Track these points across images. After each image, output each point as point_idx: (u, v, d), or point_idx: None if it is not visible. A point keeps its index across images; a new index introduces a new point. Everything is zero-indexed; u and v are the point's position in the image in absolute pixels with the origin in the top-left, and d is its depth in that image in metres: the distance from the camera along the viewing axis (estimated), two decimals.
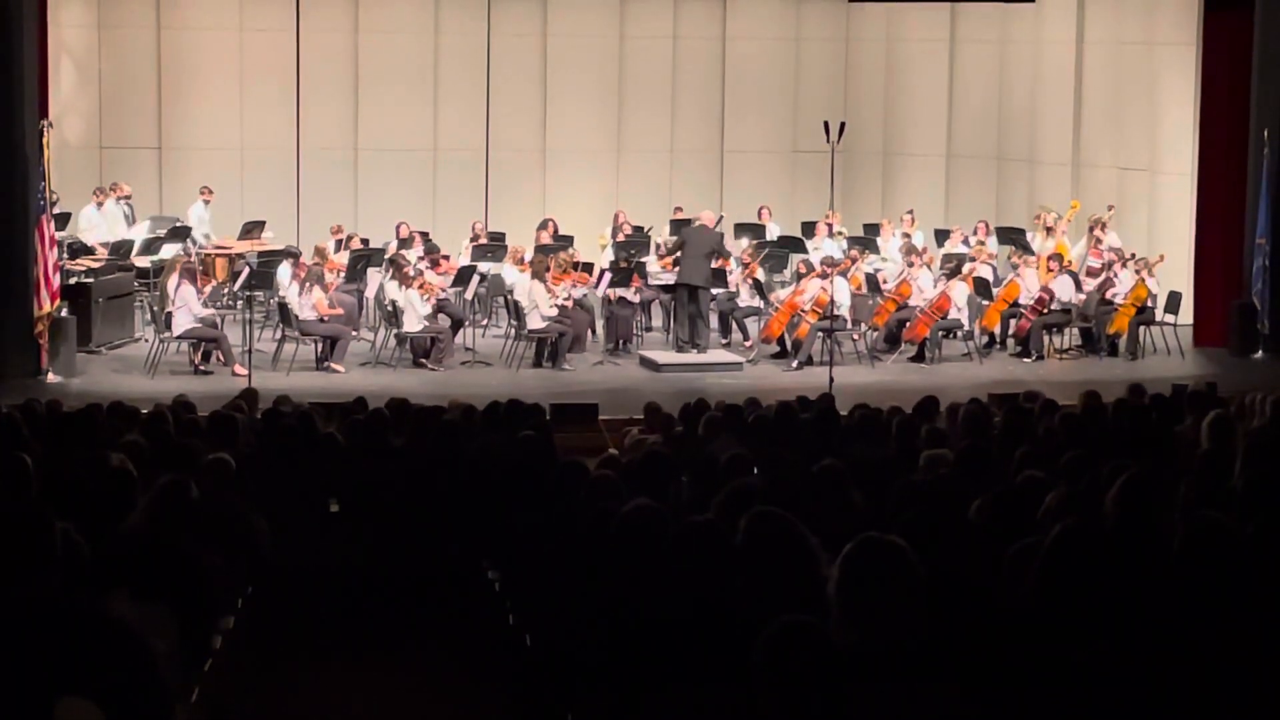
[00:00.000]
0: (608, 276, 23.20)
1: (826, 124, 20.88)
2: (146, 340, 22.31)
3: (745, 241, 25.60)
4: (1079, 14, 27.32)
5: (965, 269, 23.40)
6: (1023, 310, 23.11)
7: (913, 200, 28.25)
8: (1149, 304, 23.02)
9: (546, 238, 25.09)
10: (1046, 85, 28.00)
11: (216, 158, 28.27)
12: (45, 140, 20.83)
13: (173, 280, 21.45)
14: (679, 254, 22.79)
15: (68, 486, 9.27)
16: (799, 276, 23.03)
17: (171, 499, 8.53)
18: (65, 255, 23.20)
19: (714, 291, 23.26)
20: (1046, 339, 23.09)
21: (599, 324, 23.48)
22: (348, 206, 28.44)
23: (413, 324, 21.86)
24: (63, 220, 24.48)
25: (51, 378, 20.46)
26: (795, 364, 22.16)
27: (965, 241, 25.43)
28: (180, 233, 25.49)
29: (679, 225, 24.80)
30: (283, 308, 22.04)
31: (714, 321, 23.62)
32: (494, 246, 25.04)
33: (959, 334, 23.07)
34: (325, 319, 21.76)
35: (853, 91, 30.31)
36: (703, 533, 6.85)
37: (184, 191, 27.49)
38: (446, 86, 29.24)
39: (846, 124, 21.89)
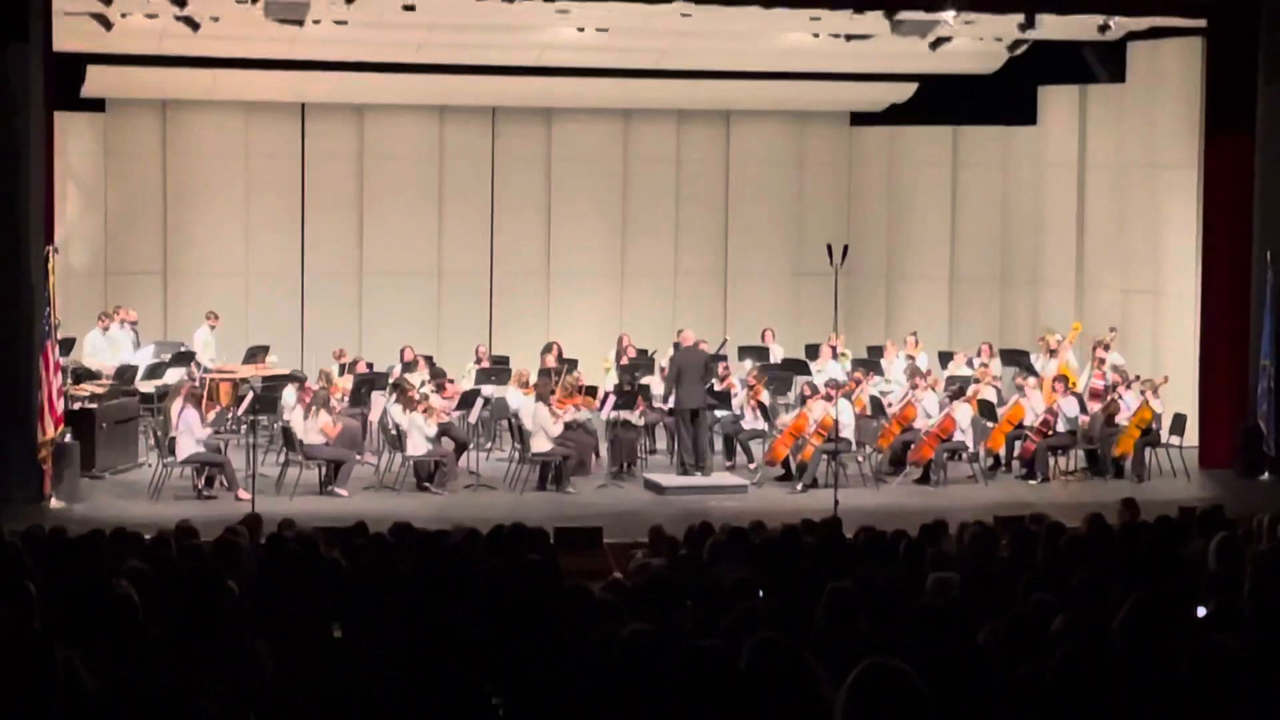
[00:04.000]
0: (612, 400, 23.21)
1: (829, 246, 20.93)
2: (150, 465, 22.29)
3: (749, 364, 25.62)
4: (1080, 136, 27.49)
5: (969, 391, 23.41)
6: (1028, 432, 23.10)
7: (916, 322, 28.31)
8: (1154, 426, 23.01)
9: (551, 361, 25.12)
10: (1049, 207, 28.15)
11: (221, 283, 28.38)
12: (51, 266, 20.92)
13: (177, 405, 21.48)
14: (676, 379, 22.81)
15: (70, 614, 9.21)
16: (803, 399, 23.03)
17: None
18: (69, 380, 23.22)
19: (718, 414, 23.29)
20: (1052, 461, 23.06)
21: (603, 447, 23.45)
22: (352, 330, 28.55)
23: (417, 448, 21.84)
24: (67, 345, 24.52)
25: (55, 503, 20.44)
26: (800, 486, 22.12)
27: (969, 363, 25.45)
28: (185, 357, 25.52)
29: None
30: (286, 432, 22.03)
31: (718, 444, 23.61)
32: (498, 370, 25.07)
33: (964, 456, 23.05)
34: (330, 441, 21.74)
35: (856, 214, 30.48)
36: (709, 658, 6.79)
37: (188, 316, 27.56)
38: (451, 209, 29.41)
39: (849, 246, 21.97)
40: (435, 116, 29.32)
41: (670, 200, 30.24)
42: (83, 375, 24.46)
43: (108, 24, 23.32)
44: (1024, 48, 26.34)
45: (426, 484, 21.98)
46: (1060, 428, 22.97)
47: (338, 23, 23.33)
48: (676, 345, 25.09)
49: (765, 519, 15.77)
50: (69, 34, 22.84)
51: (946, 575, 11.03)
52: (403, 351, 25.38)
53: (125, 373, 24.65)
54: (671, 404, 23.07)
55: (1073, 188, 27.67)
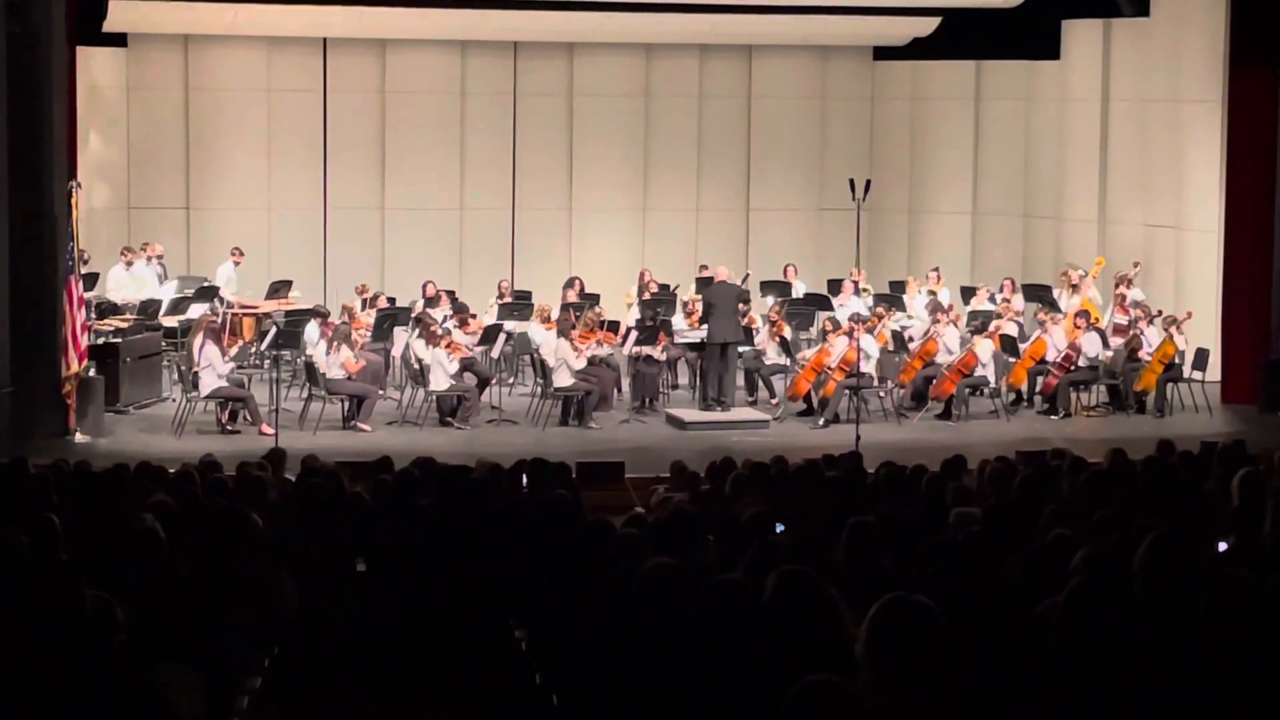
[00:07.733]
0: (634, 335, 23.20)
1: (852, 181, 20.88)
2: (174, 400, 22.33)
3: (771, 299, 25.59)
4: (1104, 71, 27.35)
5: (992, 326, 23.38)
6: (1050, 368, 23.07)
7: (938, 257, 28.26)
8: (1176, 361, 22.95)
9: (573, 296, 25.12)
10: (1072, 142, 28.02)
11: (244, 218, 28.39)
12: (74, 201, 20.95)
13: (197, 340, 21.51)
14: (709, 313, 22.78)
15: (95, 547, 9.27)
16: (825, 334, 23.00)
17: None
18: (93, 315, 23.28)
19: (740, 349, 23.26)
20: (1074, 396, 23.03)
21: (625, 382, 23.47)
22: (374, 265, 28.56)
23: (439, 383, 21.88)
24: (91, 280, 24.58)
25: (79, 437, 20.52)
26: (821, 422, 22.12)
27: (991, 299, 25.42)
28: (208, 293, 25.55)
29: (704, 284, 24.81)
30: (309, 367, 22.07)
31: (740, 379, 23.59)
32: (520, 305, 25.07)
33: (986, 391, 23.02)
34: (353, 376, 21.78)
35: (878, 149, 30.39)
36: (731, 591, 6.83)
37: (212, 251, 27.61)
38: (473, 145, 29.36)
39: (872, 181, 21.91)
40: (457, 51, 29.25)
41: (692, 135, 30.16)
42: (106, 310, 24.53)
43: None
44: None
45: (449, 419, 22.02)
46: (1082, 363, 22.94)
47: None
48: (699, 280, 25.15)
49: (787, 454, 15.78)
50: None
51: (968, 510, 11.06)
52: (425, 286, 25.37)
53: (149, 307, 24.70)
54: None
55: (1096, 122, 27.54)
